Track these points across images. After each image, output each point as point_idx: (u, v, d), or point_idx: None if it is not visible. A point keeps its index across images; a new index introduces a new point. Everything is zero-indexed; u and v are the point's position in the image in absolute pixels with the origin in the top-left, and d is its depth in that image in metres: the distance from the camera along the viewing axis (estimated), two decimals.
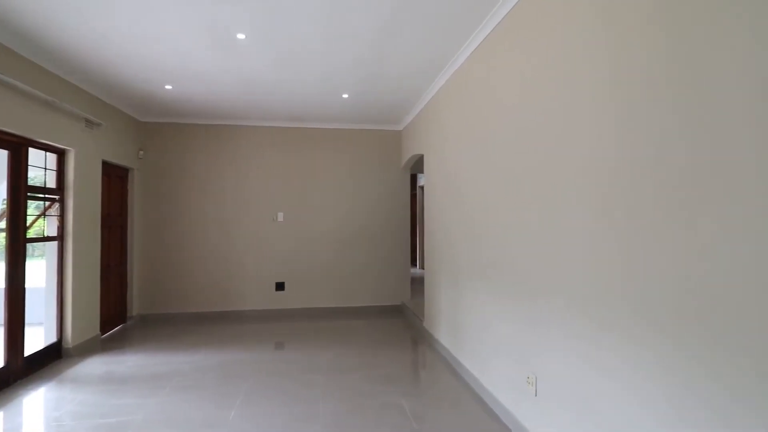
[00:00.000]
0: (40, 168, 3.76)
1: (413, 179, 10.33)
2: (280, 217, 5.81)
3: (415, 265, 10.48)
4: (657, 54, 1.52)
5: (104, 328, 4.69)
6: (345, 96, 4.60)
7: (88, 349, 4.16)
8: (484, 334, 3.05)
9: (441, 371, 3.60)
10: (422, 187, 9.79)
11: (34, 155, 3.65)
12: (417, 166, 7.29)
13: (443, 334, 4.04)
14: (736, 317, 1.23)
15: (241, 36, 3.13)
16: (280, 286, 5.80)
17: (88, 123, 4.16)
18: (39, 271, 4.04)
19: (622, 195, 1.68)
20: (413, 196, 10.34)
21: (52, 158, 3.90)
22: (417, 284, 7.41)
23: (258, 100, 4.77)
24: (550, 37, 2.19)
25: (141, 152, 5.44)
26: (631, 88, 1.63)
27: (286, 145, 5.84)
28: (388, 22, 2.92)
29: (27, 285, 3.46)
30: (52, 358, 3.83)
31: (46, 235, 3.87)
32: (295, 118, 5.57)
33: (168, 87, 4.28)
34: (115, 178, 4.97)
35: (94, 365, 3.76)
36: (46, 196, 3.78)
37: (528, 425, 2.39)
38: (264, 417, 2.76)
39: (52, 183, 3.90)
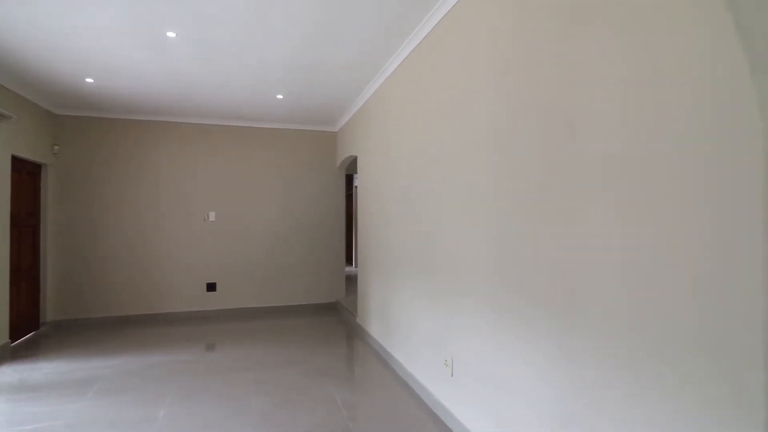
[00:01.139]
0: None
1: (349, 179, 10.49)
2: (212, 216, 5.72)
3: (351, 264, 10.66)
4: (529, 104, 1.81)
5: (14, 335, 4.36)
6: (279, 97, 4.66)
7: None
8: (410, 326, 3.30)
9: (372, 363, 3.81)
10: (357, 187, 9.98)
11: None
12: (353, 166, 7.46)
13: (375, 329, 4.25)
14: (600, 295, 1.53)
15: (171, 34, 3.12)
16: (211, 287, 5.71)
17: None
18: None
19: (514, 201, 1.97)
20: (349, 196, 10.50)
21: None
22: (352, 282, 7.60)
23: (188, 98, 4.68)
24: (462, 60, 2.47)
25: (56, 147, 5.09)
26: (519, 120, 1.93)
27: (219, 143, 5.75)
28: (316, 30, 3.06)
29: None
30: None
31: None
32: (228, 116, 5.51)
33: (89, 80, 4.09)
34: (25, 175, 4.63)
35: (4, 374, 3.51)
36: None
37: (446, 402, 2.66)
38: (196, 415, 2.79)
39: None
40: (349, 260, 10.92)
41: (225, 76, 4.02)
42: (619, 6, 1.44)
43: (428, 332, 2.94)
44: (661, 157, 1.30)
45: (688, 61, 1.21)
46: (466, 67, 2.43)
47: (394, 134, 3.69)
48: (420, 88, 3.10)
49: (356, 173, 9.63)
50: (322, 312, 5.91)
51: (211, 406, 2.91)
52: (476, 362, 2.33)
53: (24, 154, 4.43)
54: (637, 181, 1.37)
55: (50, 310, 5.04)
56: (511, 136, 2.03)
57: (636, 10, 1.37)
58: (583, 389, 1.59)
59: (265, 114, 5.41)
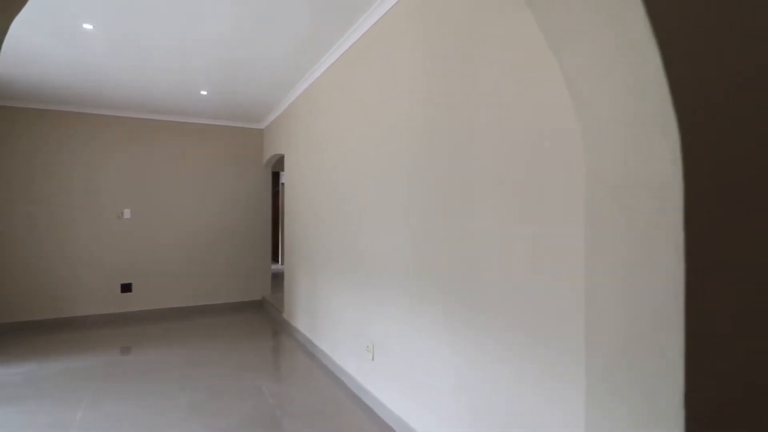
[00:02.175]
0: None
1: (275, 177, 10.41)
2: (127, 213, 5.46)
3: (277, 261, 10.59)
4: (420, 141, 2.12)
5: None
6: (203, 93, 4.61)
7: None
8: (336, 317, 3.51)
9: (299, 355, 3.96)
10: (284, 185, 9.96)
11: None
12: (279, 164, 7.47)
13: (301, 323, 4.40)
14: (498, 286, 1.86)
15: (88, 26, 3.02)
16: (126, 287, 5.46)
17: None
18: None
19: (427, 201, 2.27)
20: (275, 194, 10.42)
21: None
22: (279, 279, 7.62)
23: (103, 89, 4.46)
24: (382, 74, 2.73)
25: None
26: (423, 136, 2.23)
27: (137, 137, 5.50)
28: (240, 30, 3.15)
29: None
30: None
31: None
32: (148, 109, 5.30)
33: None
34: None
35: None
36: None
37: (368, 385, 2.91)
38: (117, 415, 2.76)
39: None
40: (275, 258, 10.84)
41: (144, 70, 3.91)
42: (502, 34, 1.76)
43: (352, 322, 3.18)
44: (530, 166, 1.64)
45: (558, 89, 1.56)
46: (387, 76, 2.69)
47: (322, 135, 3.86)
48: (347, 92, 3.31)
49: (283, 171, 9.60)
50: (248, 309, 5.91)
51: (135, 405, 2.89)
52: (395, 346, 2.60)
53: None
54: (521, 185, 1.71)
55: None
56: (423, 142, 2.31)
57: (514, 41, 1.71)
58: (483, 363, 1.92)
59: (188, 109, 5.28)
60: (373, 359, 2.84)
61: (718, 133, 0.92)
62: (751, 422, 0.96)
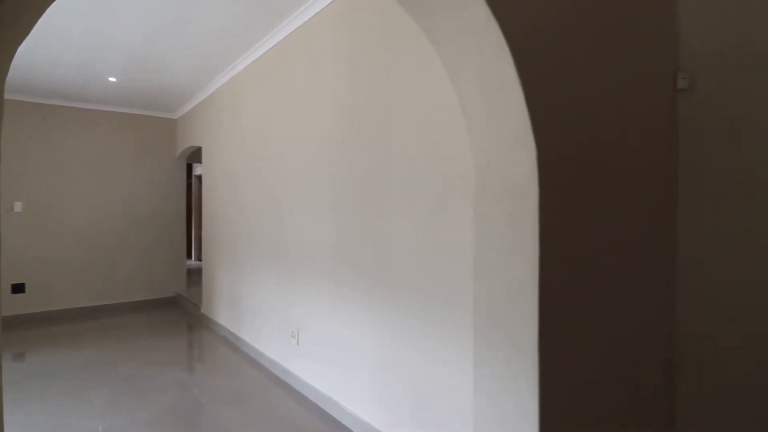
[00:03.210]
0: None
1: (188, 169, 9.93)
2: (18, 207, 4.97)
3: (190, 257, 10.15)
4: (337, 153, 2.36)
5: None
6: (112, 79, 4.37)
7: None
8: (261, 307, 3.61)
9: (221, 347, 3.99)
10: (199, 177, 9.56)
11: None
12: (193, 155, 7.20)
13: (222, 316, 4.41)
14: (407, 268, 2.15)
15: None
16: (18, 288, 4.98)
17: None
18: None
19: (348, 195, 2.50)
20: (188, 186, 9.95)
21: None
22: (192, 275, 7.38)
23: None
24: (300, 80, 2.89)
25: None
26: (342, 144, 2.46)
27: (31, 123, 5.00)
28: (159, 17, 3.11)
29: None
30: None
31: None
32: (43, 93, 4.85)
33: None
34: None
35: None
36: None
37: (293, 369, 3.09)
38: (24, 415, 2.64)
39: None
40: (187, 253, 10.36)
41: (45, 50, 3.64)
42: (414, 57, 2.05)
43: (277, 311, 3.32)
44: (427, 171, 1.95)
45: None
46: (313, 78, 2.87)
47: (248, 129, 3.90)
48: (274, 88, 3.41)
49: (196, 162, 9.21)
50: (161, 307, 5.69)
51: (43, 408, 2.77)
52: (318, 329, 2.81)
53: None
54: (427, 185, 2.01)
55: None
56: (347, 143, 2.54)
57: (425, 64, 1.99)
58: (395, 335, 2.20)
59: (92, 95, 4.94)
60: (298, 344, 3.02)
61: (562, 151, 1.26)
62: (581, 355, 1.34)
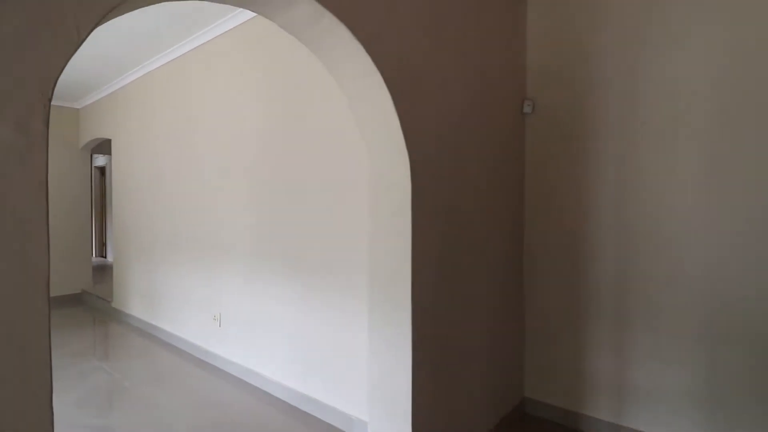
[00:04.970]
0: None
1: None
2: None
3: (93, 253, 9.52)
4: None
5: None
6: None
7: None
8: (182, 296, 3.78)
9: (137, 338, 4.07)
10: (100, 168, 9.02)
11: None
12: (100, 148, 6.87)
13: (137, 309, 4.45)
14: (318, 254, 2.56)
15: None
16: None
17: None
18: None
19: (262, 196, 2.85)
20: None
21: None
22: (97, 271, 7.06)
23: None
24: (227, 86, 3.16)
25: None
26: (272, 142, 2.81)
27: None
28: None
29: None
30: None
31: None
32: None
33: None
34: None
35: None
36: None
37: (215, 350, 3.35)
38: None
39: None
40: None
41: None
42: (325, 82, 2.46)
43: (200, 298, 3.54)
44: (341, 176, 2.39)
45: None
46: (236, 85, 3.14)
47: (168, 126, 4.01)
48: (200, 88, 3.59)
49: (99, 154, 8.69)
50: (69, 303, 5.47)
51: None
52: (239, 311, 3.12)
53: None
54: (334, 186, 2.44)
55: None
56: (268, 148, 2.87)
57: (334, 87, 2.42)
58: (307, 310, 2.61)
59: None
60: (220, 326, 3.29)
61: (428, 159, 1.77)
62: (445, 311, 1.87)
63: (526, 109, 2.57)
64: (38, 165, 0.84)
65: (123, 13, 0.99)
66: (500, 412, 2.34)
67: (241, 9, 2.90)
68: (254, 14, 2.84)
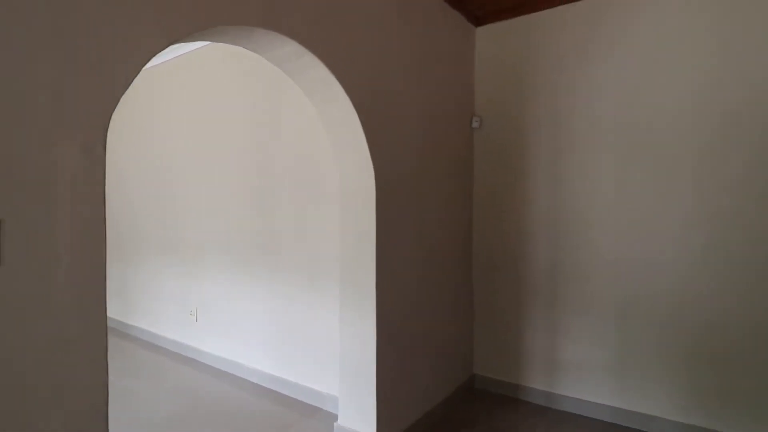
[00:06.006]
0: None
1: None
2: None
3: None
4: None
5: None
6: None
7: None
8: (158, 295, 3.95)
9: (111, 337, 4.18)
10: None
11: None
12: None
13: (109, 309, 4.54)
14: (291, 252, 2.85)
15: None
16: None
17: None
18: None
19: (242, 197, 3.11)
20: None
21: None
22: None
23: None
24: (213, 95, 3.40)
25: None
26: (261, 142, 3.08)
27: None
28: None
29: None
30: None
31: None
32: None
33: None
34: None
35: None
36: None
37: (192, 343, 3.56)
38: None
39: None
40: None
41: None
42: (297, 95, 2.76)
43: (176, 295, 3.73)
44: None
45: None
46: (218, 91, 3.38)
47: (142, 127, 4.16)
48: (180, 89, 3.79)
49: None
50: None
51: None
52: (217, 306, 3.35)
53: None
54: (307, 187, 2.74)
55: None
56: (244, 151, 3.14)
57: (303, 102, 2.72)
58: (284, 303, 2.90)
59: None
60: (197, 320, 3.51)
61: (390, 169, 2.12)
62: (403, 299, 2.22)
63: (474, 124, 2.97)
64: (99, 180, 1.11)
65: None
66: (453, 385, 2.72)
67: None
68: None
